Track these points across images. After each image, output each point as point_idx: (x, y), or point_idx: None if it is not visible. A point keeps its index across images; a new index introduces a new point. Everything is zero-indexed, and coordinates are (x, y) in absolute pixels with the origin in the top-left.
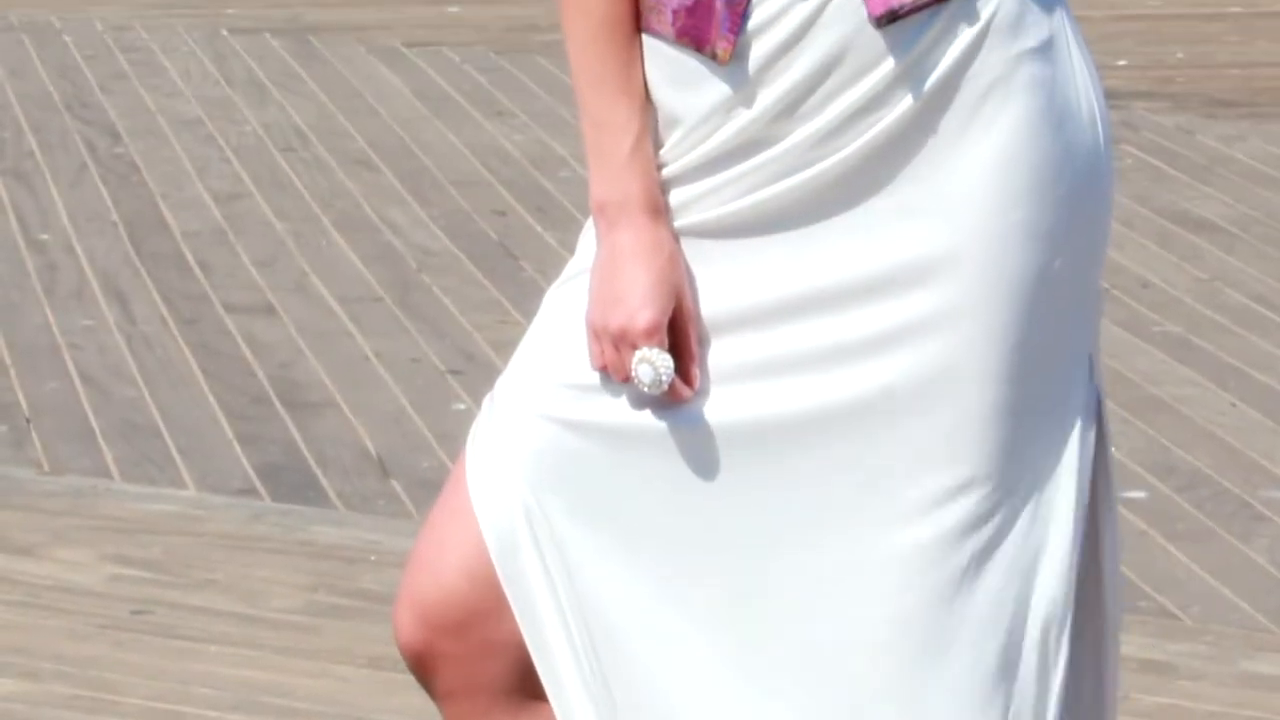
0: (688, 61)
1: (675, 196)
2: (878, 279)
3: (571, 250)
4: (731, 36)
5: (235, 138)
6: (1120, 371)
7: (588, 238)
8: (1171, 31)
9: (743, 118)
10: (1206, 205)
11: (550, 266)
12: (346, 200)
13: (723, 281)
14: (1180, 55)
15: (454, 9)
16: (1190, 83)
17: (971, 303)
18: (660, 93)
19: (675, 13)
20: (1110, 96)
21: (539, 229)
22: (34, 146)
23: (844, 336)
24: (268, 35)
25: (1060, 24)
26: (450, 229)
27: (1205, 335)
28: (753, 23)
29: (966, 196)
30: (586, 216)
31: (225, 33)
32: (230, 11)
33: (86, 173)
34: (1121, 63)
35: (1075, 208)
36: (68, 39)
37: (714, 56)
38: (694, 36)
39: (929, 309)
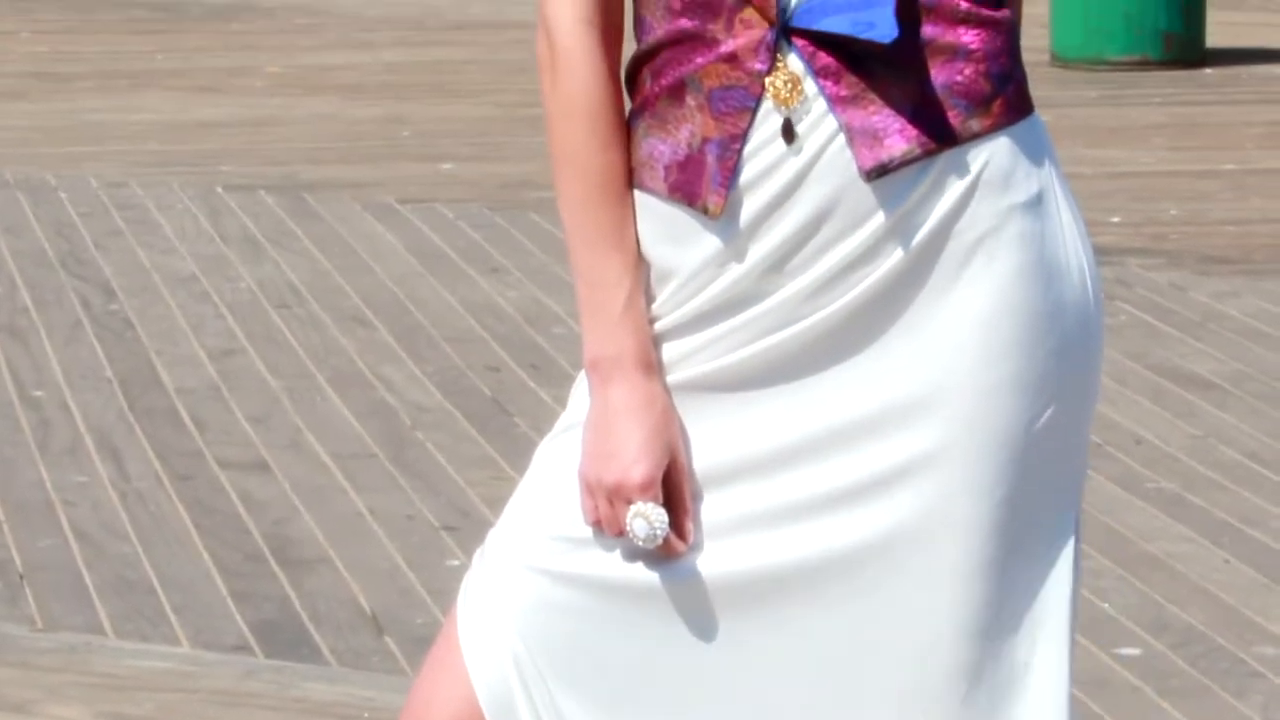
0: (680, 216)
1: (668, 351)
2: (869, 425)
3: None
4: (723, 191)
5: (230, 294)
6: (1114, 528)
7: (580, 391)
8: (1165, 188)
9: (734, 272)
10: (1200, 361)
11: (544, 422)
12: (341, 357)
13: (716, 435)
14: (1174, 212)
15: (448, 166)
16: (1184, 239)
17: (960, 453)
18: (652, 248)
19: (667, 169)
20: (1104, 253)
21: (533, 385)
22: (29, 303)
23: (837, 484)
24: (262, 192)
25: (1049, 179)
26: (444, 385)
27: (1199, 491)
28: (744, 178)
29: (956, 348)
30: (580, 372)
31: (220, 190)
32: (225, 169)
33: (81, 329)
34: (1115, 219)
35: (1064, 362)
36: (63, 196)
37: (705, 211)
38: (686, 192)
39: (919, 455)
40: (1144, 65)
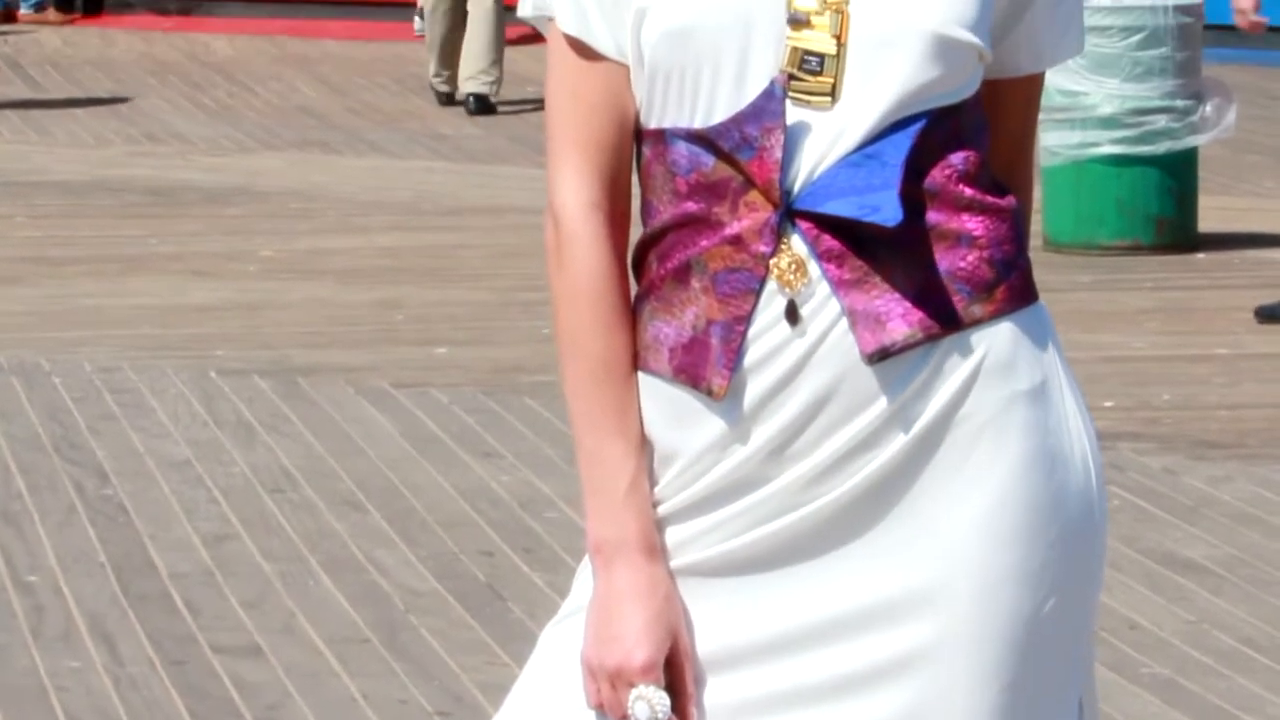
0: (684, 398)
1: (671, 535)
2: (871, 614)
3: (560, 591)
4: (726, 373)
5: (223, 479)
6: (1109, 714)
7: (584, 575)
8: (1158, 373)
9: (738, 455)
10: (1194, 547)
11: (539, 608)
12: (334, 541)
13: (719, 618)
14: (1167, 397)
15: (442, 350)
16: (1177, 424)
17: (962, 643)
18: (656, 430)
19: (672, 351)
20: (1097, 438)
21: (527, 570)
22: (22, 488)
23: (839, 671)
24: (256, 377)
25: (1054, 367)
26: (438, 570)
27: (1193, 677)
28: (748, 360)
29: (960, 536)
30: (575, 558)
31: (213, 374)
32: (219, 353)
33: (74, 514)
34: (1108, 404)
35: (1067, 551)
36: (57, 380)
37: (709, 393)
38: (690, 374)
39: (920, 645)
40: (1136, 250)
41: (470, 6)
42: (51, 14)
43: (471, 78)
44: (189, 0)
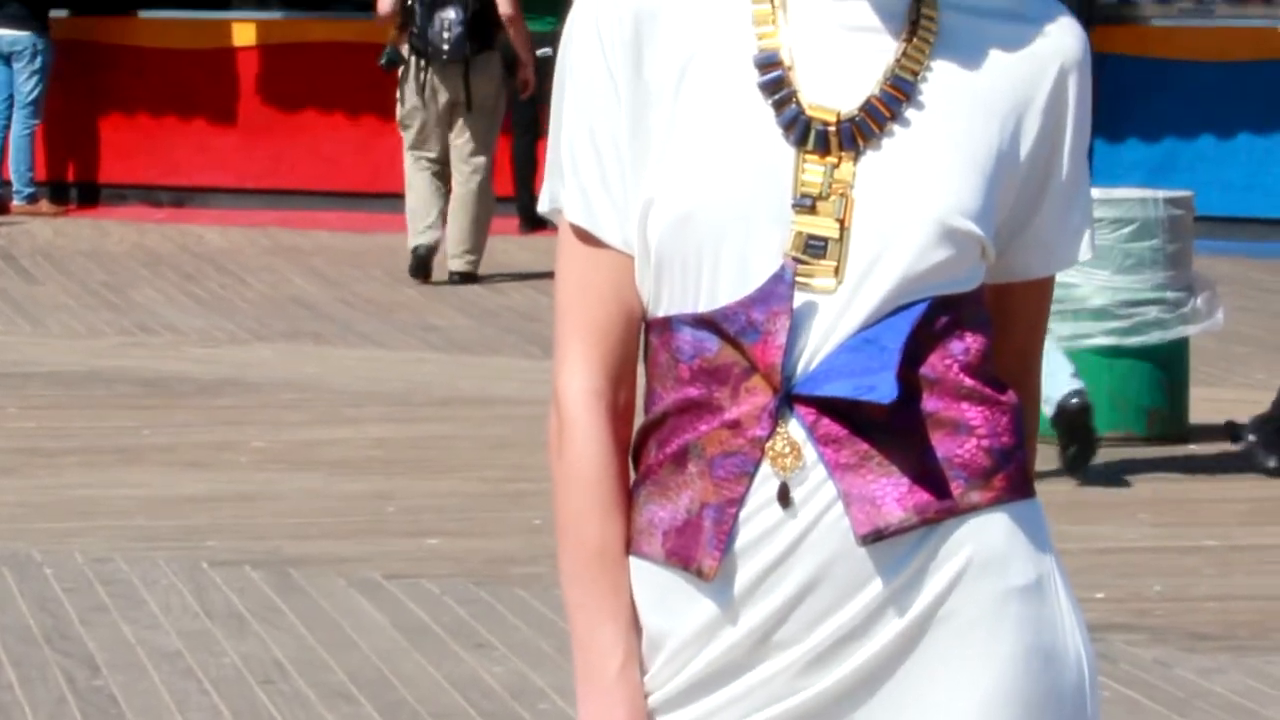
0: (675, 581)
1: None
2: None
3: None
4: (717, 554)
5: (214, 670)
6: None
7: None
8: (1149, 565)
9: (726, 639)
10: None
11: None
12: None
13: None
14: (1158, 588)
15: (433, 541)
16: (1168, 615)
17: None
18: (646, 615)
19: (665, 534)
20: (1088, 629)
21: None
22: (13, 680)
23: None
24: (248, 567)
25: (1049, 565)
26: None
27: None
28: (739, 542)
29: None
30: None
31: (205, 565)
32: (211, 544)
33: (65, 706)
34: (1100, 595)
35: None
36: (49, 571)
37: (700, 573)
38: (682, 556)
39: None
40: (1128, 441)
41: (455, 185)
42: (44, 205)
43: (456, 256)
44: (181, 191)
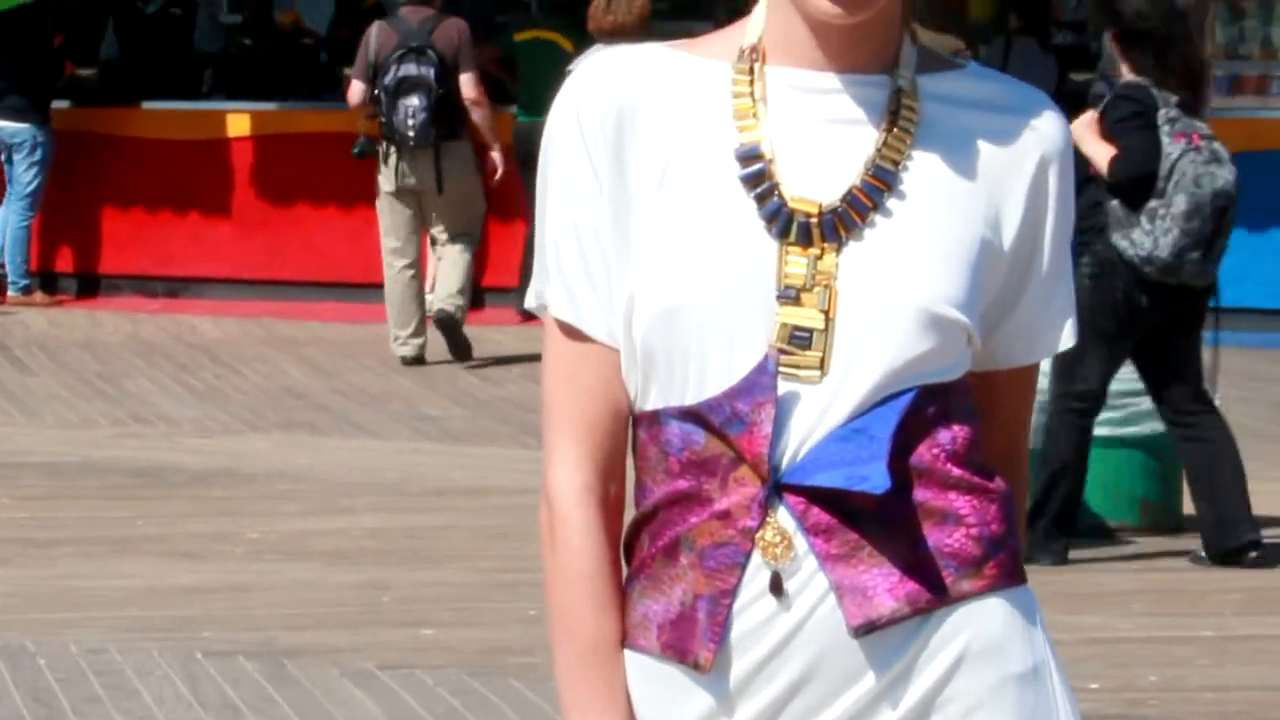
0: (672, 674)
1: None
2: None
3: None
4: (713, 645)
5: None
6: None
7: None
8: (1143, 655)
9: None
10: None
11: None
12: None
13: None
14: (1152, 678)
15: (428, 631)
16: (1163, 706)
17: None
18: (644, 709)
19: (660, 627)
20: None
21: None
22: None
23: None
24: (241, 658)
25: (1044, 651)
26: None
27: None
28: (735, 633)
29: None
30: None
31: (199, 656)
32: (205, 634)
33: None
34: (1094, 686)
35: None
36: (42, 662)
37: (696, 665)
38: (677, 649)
39: None
40: (1121, 531)
41: (438, 264)
42: (38, 296)
43: (442, 301)
44: (176, 282)
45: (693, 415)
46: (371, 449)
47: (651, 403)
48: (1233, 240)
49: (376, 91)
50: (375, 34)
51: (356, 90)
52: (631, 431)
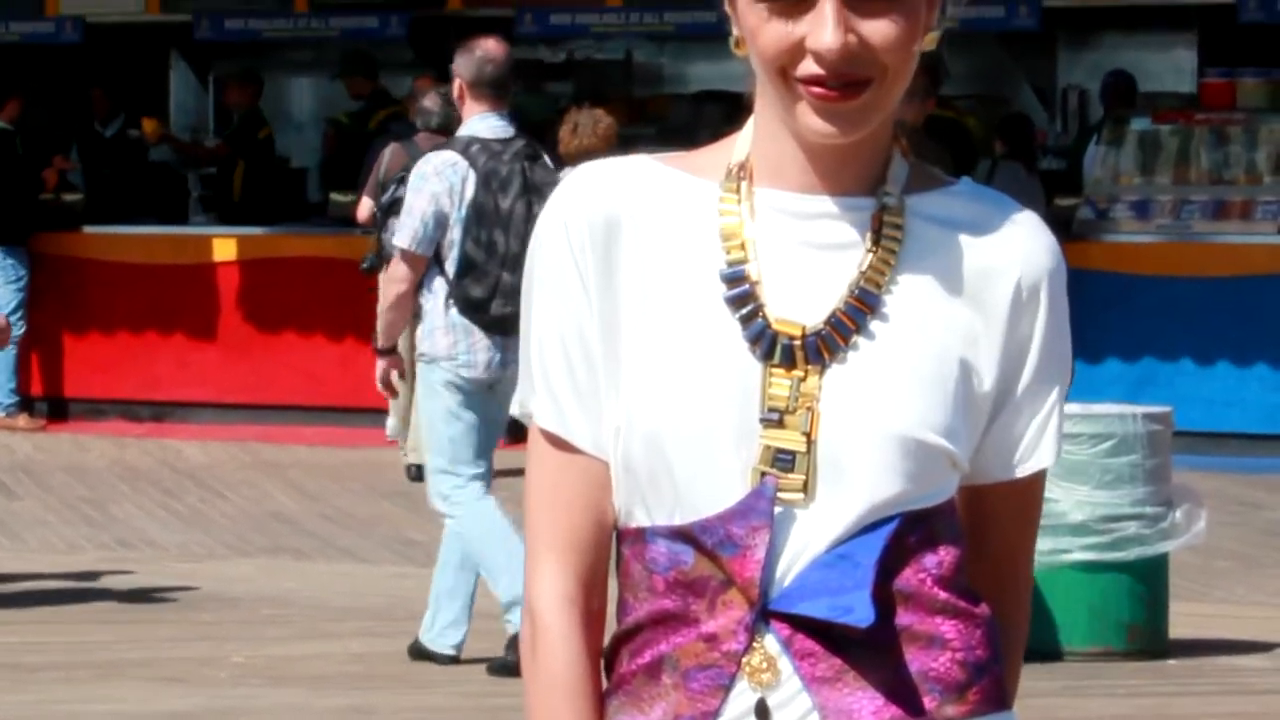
0: None
1: None
2: None
3: None
4: None
5: None
6: None
7: None
8: None
9: None
10: None
11: None
12: None
13: None
14: None
15: None
16: None
17: None
18: None
19: None
20: None
21: None
22: None
23: None
24: None
25: None
26: None
27: None
28: None
29: None
30: None
31: None
32: None
33: None
34: None
35: None
36: None
37: None
38: None
39: None
40: (1107, 656)
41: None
42: (23, 420)
43: (415, 449)
44: (161, 406)
45: (683, 535)
46: (357, 574)
47: (637, 520)
48: (1218, 366)
49: (375, 210)
50: (389, 155)
51: (365, 206)
52: (615, 547)
